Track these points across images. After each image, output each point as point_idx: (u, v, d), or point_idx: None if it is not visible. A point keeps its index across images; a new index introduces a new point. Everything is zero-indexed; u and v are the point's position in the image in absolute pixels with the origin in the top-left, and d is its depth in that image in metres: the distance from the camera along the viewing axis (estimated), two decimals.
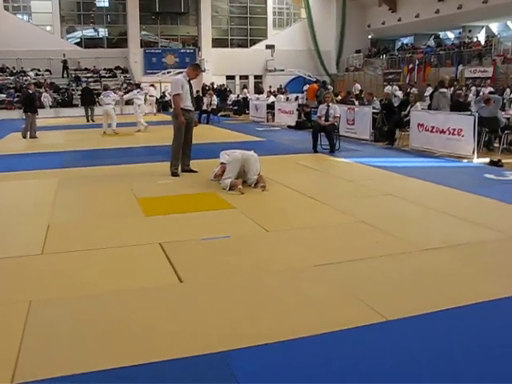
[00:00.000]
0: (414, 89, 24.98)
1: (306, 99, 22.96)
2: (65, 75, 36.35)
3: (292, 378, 2.94)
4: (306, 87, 26.92)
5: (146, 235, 5.75)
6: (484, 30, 36.79)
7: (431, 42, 38.92)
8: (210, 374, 2.99)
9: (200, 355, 3.15)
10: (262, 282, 4.33)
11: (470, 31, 35.45)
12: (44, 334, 3.51)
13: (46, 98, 31.76)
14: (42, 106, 30.50)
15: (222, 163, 8.35)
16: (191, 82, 9.48)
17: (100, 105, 19.15)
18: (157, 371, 3.03)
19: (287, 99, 25.21)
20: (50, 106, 31.57)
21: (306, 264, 4.72)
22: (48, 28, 38.31)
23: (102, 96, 19.72)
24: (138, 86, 20.48)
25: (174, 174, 9.28)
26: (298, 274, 4.50)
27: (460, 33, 37.15)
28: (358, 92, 26.08)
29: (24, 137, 17.80)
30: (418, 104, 13.71)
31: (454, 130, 11.19)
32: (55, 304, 3.98)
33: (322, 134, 12.43)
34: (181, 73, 9.95)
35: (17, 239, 5.77)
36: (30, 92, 18.96)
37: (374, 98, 16.35)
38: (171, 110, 9.75)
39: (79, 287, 4.31)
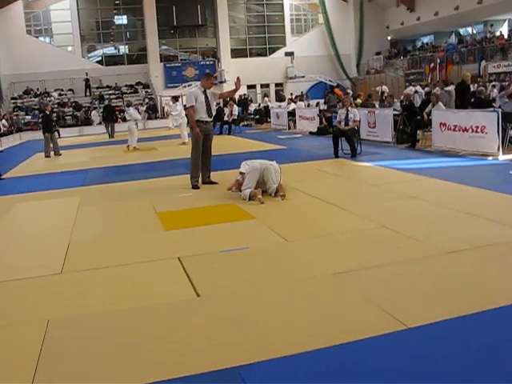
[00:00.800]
0: (436, 88, 24.64)
1: None
2: (87, 94, 36.85)
3: None
4: None
5: (165, 250, 5.73)
6: (507, 23, 36.14)
7: (452, 40, 38.48)
8: None
9: (215, 371, 3.09)
10: (281, 294, 4.25)
11: (491, 25, 34.90)
12: (61, 353, 3.50)
13: (95, 115, 32.72)
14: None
15: (240, 173, 8.31)
16: (210, 91, 9.45)
17: (125, 121, 19.45)
18: None
19: (308, 105, 25.11)
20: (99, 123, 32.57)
21: (325, 273, 4.63)
22: (69, 48, 38.94)
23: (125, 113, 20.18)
24: (176, 98, 20.58)
25: (195, 187, 9.28)
26: (317, 283, 4.41)
27: (472, 29, 36.65)
28: (386, 94, 25.66)
29: (47, 156, 18.14)
30: (440, 103, 13.47)
31: (477, 127, 10.98)
32: (73, 323, 3.97)
33: (343, 138, 12.31)
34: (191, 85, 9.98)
35: (37, 259, 5.79)
36: (48, 113, 19.31)
37: (395, 100, 16.17)
38: None
39: (97, 305, 4.30)
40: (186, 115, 21.03)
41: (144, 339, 3.60)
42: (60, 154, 18.42)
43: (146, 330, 3.74)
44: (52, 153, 18.42)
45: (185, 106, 30.40)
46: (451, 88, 13.56)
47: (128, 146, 18.53)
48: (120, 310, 4.14)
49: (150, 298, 4.34)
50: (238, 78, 9.62)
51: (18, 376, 3.22)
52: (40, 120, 31.22)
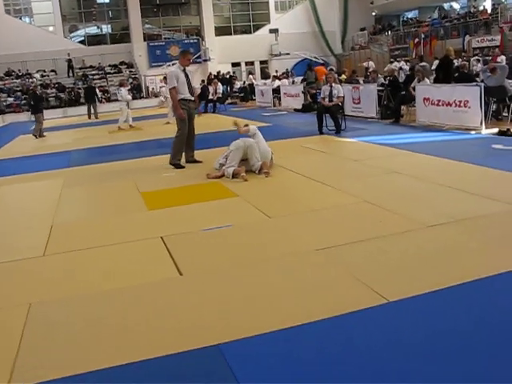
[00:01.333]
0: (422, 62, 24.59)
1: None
2: (70, 74, 36.38)
3: (291, 366, 2.87)
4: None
5: (148, 229, 5.71)
6: None
7: (436, 15, 38.33)
8: (207, 368, 2.93)
9: (194, 349, 3.10)
10: (263, 270, 4.26)
11: (475, 0, 34.74)
12: (42, 335, 3.48)
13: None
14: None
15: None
16: (188, 69, 9.35)
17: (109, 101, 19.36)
18: (156, 366, 2.99)
19: (293, 82, 24.98)
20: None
21: (307, 248, 4.64)
22: (51, 28, 38.31)
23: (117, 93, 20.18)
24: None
25: (178, 166, 9.23)
26: (299, 259, 4.43)
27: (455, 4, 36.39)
28: (371, 69, 25.41)
29: (36, 137, 17.95)
30: (426, 80, 13.40)
31: (461, 101, 10.99)
32: (55, 305, 3.95)
33: (327, 115, 12.28)
34: (175, 64, 9.74)
35: (20, 242, 5.75)
36: (38, 93, 19.12)
37: (379, 76, 16.12)
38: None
39: (79, 287, 4.27)
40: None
41: (129, 319, 3.60)
42: (44, 136, 18.26)
43: (131, 310, 3.74)
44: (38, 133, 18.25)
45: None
46: (425, 64, 13.57)
47: (119, 127, 18.40)
48: (104, 292, 4.12)
49: (133, 279, 4.33)
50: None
51: None
52: (23, 102, 31.02)
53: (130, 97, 19.75)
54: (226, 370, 2.87)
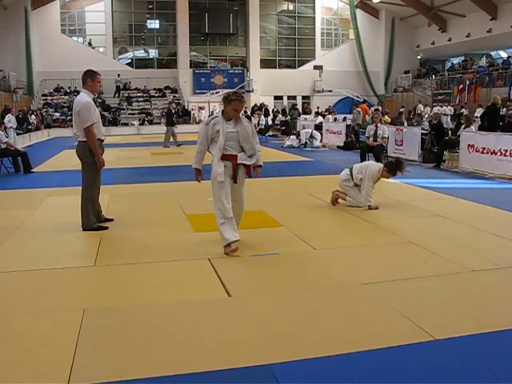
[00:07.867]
0: (463, 110, 24.63)
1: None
2: (116, 95, 37.35)
3: None
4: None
5: (195, 250, 5.87)
6: None
7: (482, 62, 38.31)
8: None
9: (246, 367, 3.21)
10: (309, 299, 4.35)
11: None
12: (97, 340, 3.63)
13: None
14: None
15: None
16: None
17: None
18: (202, 381, 3.09)
19: (335, 120, 25.19)
20: None
21: (353, 282, 4.73)
22: (101, 49, 39.54)
23: None
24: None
25: (100, 228, 7.04)
26: (346, 291, 4.52)
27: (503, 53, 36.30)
28: (419, 112, 25.47)
29: (166, 147, 20.57)
30: (472, 127, 13.40)
31: (506, 150, 11.01)
32: (107, 313, 4.11)
33: (370, 154, 12.40)
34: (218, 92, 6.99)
35: (71, 252, 5.96)
36: (171, 109, 22.13)
37: (423, 119, 16.20)
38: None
39: (130, 298, 4.44)
40: None
41: (177, 332, 3.73)
42: (168, 147, 20.36)
43: (181, 324, 3.87)
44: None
45: (211, 113, 30.45)
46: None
47: None
48: (153, 304, 4.28)
49: (182, 295, 4.48)
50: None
51: (58, 360, 3.35)
52: (69, 118, 31.94)
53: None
54: None
